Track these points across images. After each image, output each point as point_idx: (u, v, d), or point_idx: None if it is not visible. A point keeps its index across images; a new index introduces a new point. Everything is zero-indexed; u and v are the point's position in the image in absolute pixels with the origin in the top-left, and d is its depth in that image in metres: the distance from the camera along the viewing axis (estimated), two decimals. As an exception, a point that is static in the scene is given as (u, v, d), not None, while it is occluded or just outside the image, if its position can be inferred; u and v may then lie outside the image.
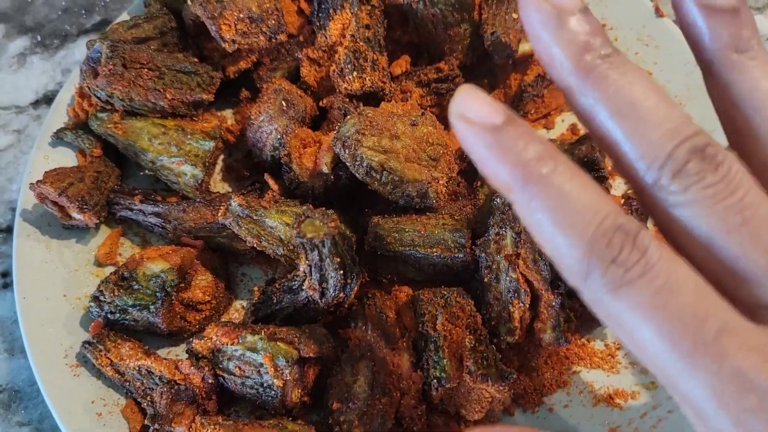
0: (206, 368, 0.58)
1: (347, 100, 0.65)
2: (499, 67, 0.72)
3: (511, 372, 0.55)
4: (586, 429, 0.59)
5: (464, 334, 0.57)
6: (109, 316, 0.62)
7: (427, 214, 0.63)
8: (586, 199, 0.31)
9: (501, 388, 0.54)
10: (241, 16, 0.66)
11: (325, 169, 0.62)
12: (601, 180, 0.64)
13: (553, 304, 0.57)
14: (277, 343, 0.57)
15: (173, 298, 0.61)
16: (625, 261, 0.30)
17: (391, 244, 0.61)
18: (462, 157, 0.68)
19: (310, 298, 0.59)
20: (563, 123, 0.74)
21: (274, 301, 0.62)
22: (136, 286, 0.61)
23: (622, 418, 0.59)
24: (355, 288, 0.58)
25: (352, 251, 0.58)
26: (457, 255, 0.60)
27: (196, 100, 0.68)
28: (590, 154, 0.64)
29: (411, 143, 0.59)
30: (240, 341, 0.58)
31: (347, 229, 0.62)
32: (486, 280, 0.59)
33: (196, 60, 0.70)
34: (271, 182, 0.67)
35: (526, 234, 0.58)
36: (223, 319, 0.66)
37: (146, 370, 0.60)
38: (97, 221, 0.66)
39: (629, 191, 0.67)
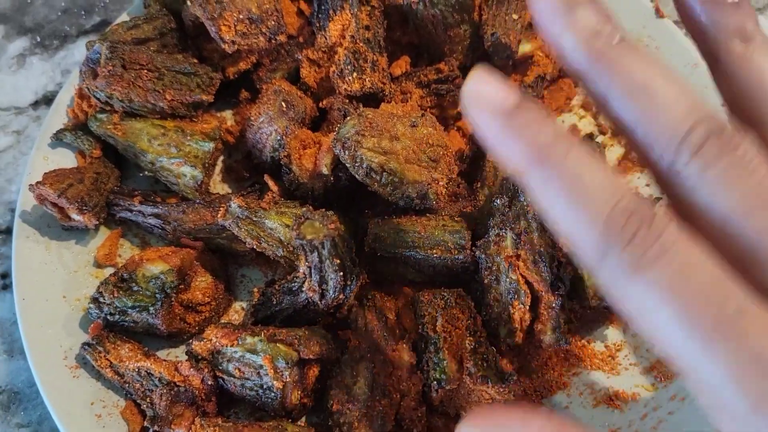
0: (206, 370, 0.58)
1: (347, 101, 0.65)
2: (499, 68, 0.72)
3: (512, 374, 0.55)
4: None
5: (464, 335, 0.57)
6: (108, 317, 0.62)
7: (427, 215, 0.62)
8: (602, 181, 0.31)
9: (501, 390, 0.54)
10: (241, 17, 0.65)
11: (325, 171, 0.62)
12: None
13: (554, 305, 0.57)
14: (277, 344, 0.57)
15: (173, 299, 0.61)
16: (642, 242, 0.29)
17: (390, 245, 0.61)
18: (462, 158, 0.67)
19: (309, 300, 0.59)
20: (563, 123, 0.74)
21: (274, 302, 0.62)
22: (135, 288, 0.61)
23: (622, 420, 0.59)
24: (355, 289, 0.58)
25: (352, 253, 0.58)
26: (457, 256, 0.60)
27: (195, 101, 0.68)
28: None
29: (411, 144, 0.59)
30: (240, 343, 0.58)
31: (347, 231, 0.62)
32: (486, 281, 0.59)
33: (195, 61, 0.70)
34: (270, 183, 0.67)
35: (526, 235, 0.58)
36: (222, 321, 0.66)
37: (146, 371, 0.60)
38: (97, 222, 0.66)
39: None
